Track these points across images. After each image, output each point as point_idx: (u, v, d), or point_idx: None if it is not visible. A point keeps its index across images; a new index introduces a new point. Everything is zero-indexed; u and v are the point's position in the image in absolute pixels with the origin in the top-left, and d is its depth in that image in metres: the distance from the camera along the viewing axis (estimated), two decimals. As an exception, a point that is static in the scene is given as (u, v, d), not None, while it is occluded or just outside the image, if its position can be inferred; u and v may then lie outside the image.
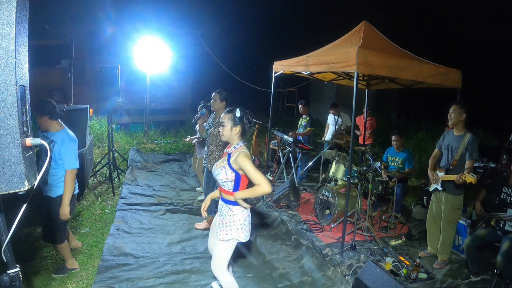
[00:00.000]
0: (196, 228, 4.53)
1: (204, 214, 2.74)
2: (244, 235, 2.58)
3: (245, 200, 2.58)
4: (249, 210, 2.63)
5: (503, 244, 3.27)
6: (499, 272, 3.27)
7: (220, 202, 2.66)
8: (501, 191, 3.58)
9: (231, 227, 2.55)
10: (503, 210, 3.49)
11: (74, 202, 3.39)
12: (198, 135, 5.44)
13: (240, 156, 2.47)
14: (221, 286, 3.13)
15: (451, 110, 3.73)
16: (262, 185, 2.41)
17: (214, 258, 2.66)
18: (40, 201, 3.23)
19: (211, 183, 4.24)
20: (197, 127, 5.11)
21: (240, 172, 2.50)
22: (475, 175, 3.37)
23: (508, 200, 3.48)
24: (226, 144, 4.08)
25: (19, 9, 1.23)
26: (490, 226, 3.59)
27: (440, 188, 3.81)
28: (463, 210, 4.08)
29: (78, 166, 3.17)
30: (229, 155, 2.57)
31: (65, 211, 3.09)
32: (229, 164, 2.53)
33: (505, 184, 3.56)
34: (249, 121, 2.60)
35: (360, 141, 6.82)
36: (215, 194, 2.83)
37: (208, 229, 4.41)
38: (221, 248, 2.61)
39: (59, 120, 3.22)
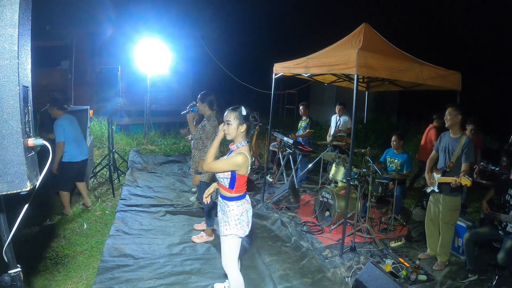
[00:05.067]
0: (195, 229, 4.53)
1: (206, 200, 2.88)
2: (242, 231, 2.59)
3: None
4: (247, 204, 2.65)
5: (507, 243, 3.32)
6: (502, 266, 3.30)
7: (219, 197, 2.68)
8: (506, 192, 3.61)
9: (229, 222, 2.58)
10: (506, 212, 3.52)
11: (73, 167, 4.65)
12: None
13: (237, 154, 2.49)
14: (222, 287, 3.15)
15: (446, 112, 3.79)
16: (211, 164, 2.55)
17: (222, 254, 2.70)
18: None
19: (202, 188, 4.17)
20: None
21: (236, 171, 2.52)
22: (470, 178, 3.42)
23: None
24: (205, 148, 4.07)
25: (22, 10, 1.24)
26: (493, 224, 3.63)
27: (436, 190, 3.83)
28: (462, 212, 4.09)
29: (61, 140, 4.45)
30: (231, 152, 2.62)
31: (53, 168, 4.43)
32: None
33: (510, 186, 3.59)
34: (255, 119, 2.60)
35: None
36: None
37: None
38: (224, 244, 2.65)
39: (63, 111, 4.57)
